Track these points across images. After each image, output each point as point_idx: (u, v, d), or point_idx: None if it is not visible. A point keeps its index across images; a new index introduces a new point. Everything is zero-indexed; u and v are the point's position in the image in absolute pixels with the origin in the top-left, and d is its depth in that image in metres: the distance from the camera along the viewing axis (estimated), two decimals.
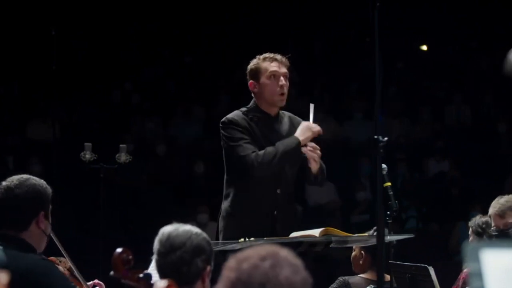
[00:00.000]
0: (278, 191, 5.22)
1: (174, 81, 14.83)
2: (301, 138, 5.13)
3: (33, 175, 3.99)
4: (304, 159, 5.28)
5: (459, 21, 15.73)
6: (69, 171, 11.17)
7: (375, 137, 4.27)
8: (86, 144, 8.37)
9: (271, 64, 5.25)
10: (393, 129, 13.41)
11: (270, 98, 5.25)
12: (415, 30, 15.52)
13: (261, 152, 5.11)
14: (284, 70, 5.28)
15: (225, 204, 5.28)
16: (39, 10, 14.04)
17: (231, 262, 2.21)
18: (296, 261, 2.20)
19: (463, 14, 15.70)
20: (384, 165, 4.70)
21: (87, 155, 8.32)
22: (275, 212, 5.22)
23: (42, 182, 3.89)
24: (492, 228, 5.28)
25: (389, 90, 14.11)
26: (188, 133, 13.49)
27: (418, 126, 14.21)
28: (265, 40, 12.59)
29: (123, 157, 8.41)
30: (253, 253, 2.19)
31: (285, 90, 5.26)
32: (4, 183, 3.87)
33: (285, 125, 5.33)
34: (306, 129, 5.16)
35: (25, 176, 3.90)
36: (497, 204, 5.27)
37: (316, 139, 5.39)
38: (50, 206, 3.90)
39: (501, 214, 5.22)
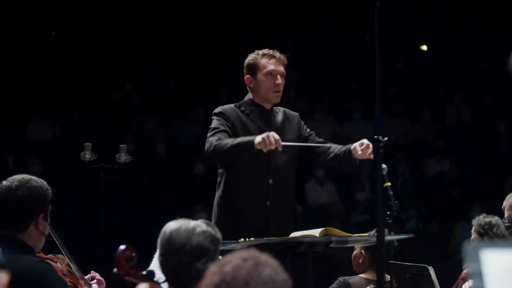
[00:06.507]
0: (270, 181, 5.12)
1: (174, 81, 14.82)
2: (257, 140, 4.82)
3: (33, 175, 3.92)
4: (302, 151, 5.24)
5: (459, 21, 15.72)
6: (69, 171, 11.17)
7: (375, 137, 4.28)
8: (86, 144, 8.37)
9: (269, 62, 5.22)
10: (393, 129, 13.40)
11: (265, 95, 5.24)
12: (415, 30, 15.51)
13: (221, 140, 4.97)
14: (281, 68, 5.25)
15: (217, 193, 5.21)
16: (39, 10, 14.03)
17: (211, 268, 2.23)
18: (276, 263, 2.25)
19: (463, 14, 15.69)
20: (384, 165, 4.71)
21: (87, 155, 8.31)
22: (267, 203, 5.10)
23: (43, 183, 3.82)
24: (504, 219, 5.30)
25: (389, 90, 14.10)
26: (188, 133, 13.47)
27: (418, 126, 14.20)
28: (264, 40, 12.56)
29: (123, 157, 8.40)
30: (233, 256, 2.23)
31: (281, 88, 5.23)
32: (4, 182, 3.79)
33: (279, 117, 5.28)
34: (266, 135, 4.83)
35: (26, 177, 3.82)
36: (511, 196, 5.36)
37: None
38: (50, 207, 3.84)
39: None
